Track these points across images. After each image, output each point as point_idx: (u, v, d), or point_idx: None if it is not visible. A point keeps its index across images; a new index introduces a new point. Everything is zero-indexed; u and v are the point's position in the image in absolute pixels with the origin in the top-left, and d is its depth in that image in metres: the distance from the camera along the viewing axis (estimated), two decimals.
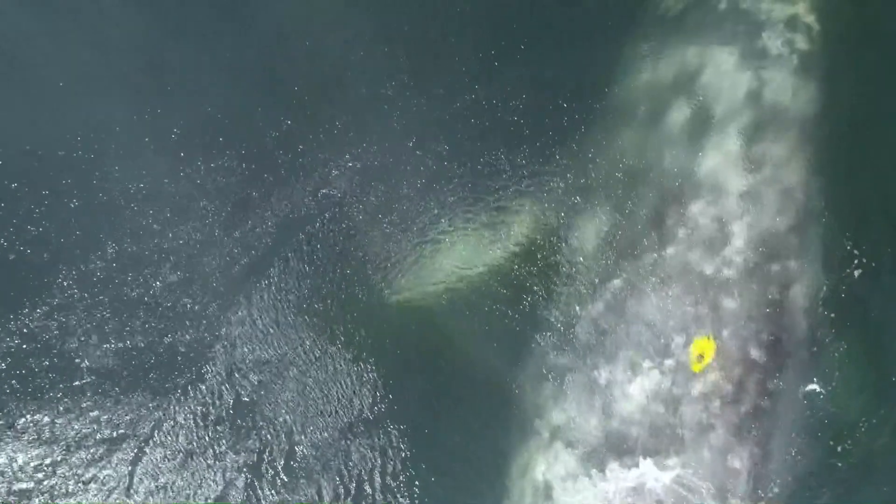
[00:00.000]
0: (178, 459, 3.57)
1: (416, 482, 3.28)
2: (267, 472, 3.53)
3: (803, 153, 3.21)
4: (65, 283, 3.79)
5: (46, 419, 3.58)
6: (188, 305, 3.82)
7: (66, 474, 3.52)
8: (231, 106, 4.03)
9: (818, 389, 3.06)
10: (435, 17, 4.22)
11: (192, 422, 3.62)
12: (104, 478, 3.55)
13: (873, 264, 3.25)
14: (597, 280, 3.33)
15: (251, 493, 3.50)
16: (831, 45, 3.40)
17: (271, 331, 3.73)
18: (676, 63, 3.59)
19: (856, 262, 3.18)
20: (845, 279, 3.15)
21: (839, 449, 3.08)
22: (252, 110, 4.12)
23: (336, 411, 3.55)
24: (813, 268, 3.11)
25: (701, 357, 2.99)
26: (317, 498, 3.49)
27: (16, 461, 3.53)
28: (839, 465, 3.05)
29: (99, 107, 4.15)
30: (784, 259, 3.06)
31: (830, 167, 3.22)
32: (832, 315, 3.11)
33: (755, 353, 2.96)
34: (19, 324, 3.70)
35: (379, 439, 3.48)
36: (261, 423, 3.62)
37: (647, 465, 2.80)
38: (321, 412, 3.61)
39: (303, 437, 3.59)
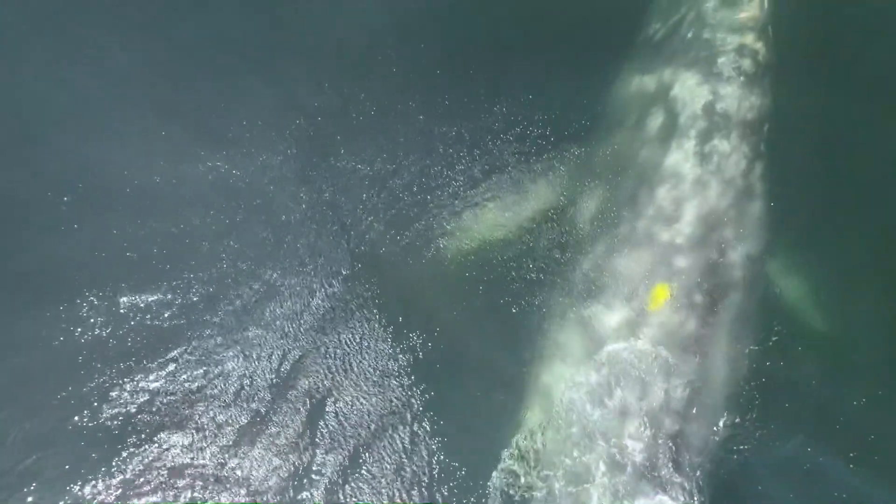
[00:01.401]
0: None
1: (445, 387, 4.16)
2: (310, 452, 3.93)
3: (742, 150, 4.14)
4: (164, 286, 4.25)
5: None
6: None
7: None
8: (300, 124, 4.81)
9: (745, 324, 4.03)
10: (475, 36, 5.13)
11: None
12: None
13: (794, 234, 4.26)
14: (587, 242, 4.29)
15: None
16: (770, 67, 4.29)
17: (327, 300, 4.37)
18: (656, 79, 4.48)
19: (779, 232, 4.15)
20: (770, 245, 4.12)
21: (762, 363, 4.09)
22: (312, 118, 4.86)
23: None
24: (744, 236, 4.05)
25: (656, 299, 4.10)
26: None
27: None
28: (763, 375, 4.05)
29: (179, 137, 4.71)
30: (722, 229, 4.02)
31: (763, 160, 4.17)
32: (759, 271, 4.09)
33: (697, 298, 3.93)
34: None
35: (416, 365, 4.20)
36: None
37: (617, 357, 3.95)
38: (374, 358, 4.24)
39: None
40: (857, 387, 4.24)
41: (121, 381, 4.00)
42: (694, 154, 4.18)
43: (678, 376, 3.87)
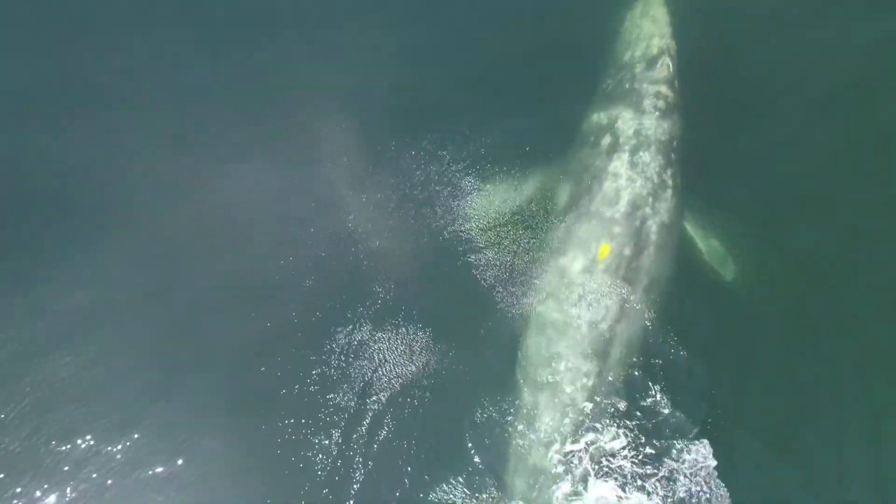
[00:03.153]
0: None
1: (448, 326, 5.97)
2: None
3: (658, 159, 6.24)
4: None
5: None
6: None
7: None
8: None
9: (660, 269, 6.18)
10: (485, 77, 7.26)
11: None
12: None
13: (695, 210, 6.31)
14: (560, 217, 6.15)
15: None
16: (677, 106, 6.41)
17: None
18: (607, 115, 6.51)
19: (686, 210, 6.30)
20: (676, 218, 6.25)
21: (677, 299, 6.14)
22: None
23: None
24: (659, 211, 6.09)
25: (602, 253, 6.30)
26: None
27: None
28: (676, 309, 6.11)
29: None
30: (644, 208, 6.10)
31: (671, 165, 6.28)
32: (669, 235, 6.16)
33: (627, 251, 5.88)
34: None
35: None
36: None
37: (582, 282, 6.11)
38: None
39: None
40: (754, 323, 6.13)
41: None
42: (627, 162, 6.35)
43: (613, 300, 6.12)
